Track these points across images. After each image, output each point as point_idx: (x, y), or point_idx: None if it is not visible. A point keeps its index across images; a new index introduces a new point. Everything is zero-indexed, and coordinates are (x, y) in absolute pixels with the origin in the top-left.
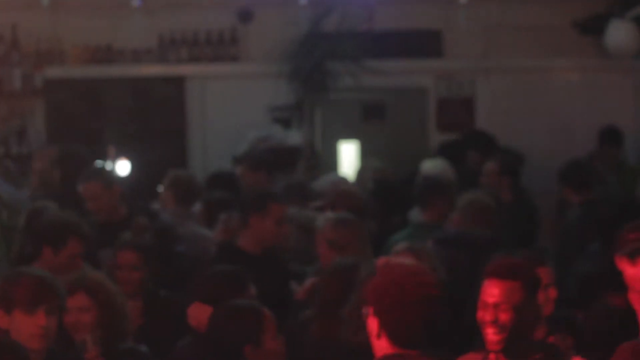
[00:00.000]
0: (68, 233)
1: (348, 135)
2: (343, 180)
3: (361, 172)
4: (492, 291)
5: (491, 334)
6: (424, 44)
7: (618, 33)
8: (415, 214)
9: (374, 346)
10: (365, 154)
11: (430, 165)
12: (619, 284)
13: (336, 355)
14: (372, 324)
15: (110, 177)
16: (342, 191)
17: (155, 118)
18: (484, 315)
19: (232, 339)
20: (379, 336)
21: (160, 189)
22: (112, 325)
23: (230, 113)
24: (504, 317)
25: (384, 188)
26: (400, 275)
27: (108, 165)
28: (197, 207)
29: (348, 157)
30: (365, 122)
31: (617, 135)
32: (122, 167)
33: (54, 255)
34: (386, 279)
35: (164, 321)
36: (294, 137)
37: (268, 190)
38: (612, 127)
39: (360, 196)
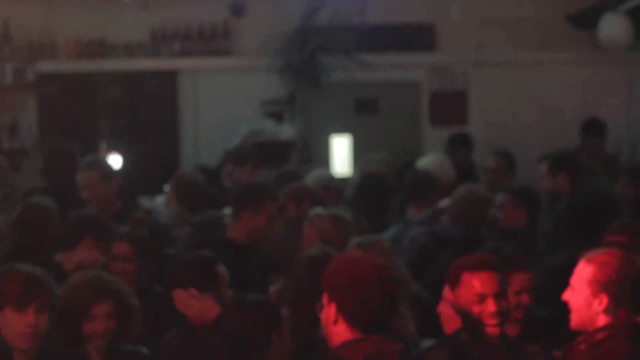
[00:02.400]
0: (107, 227)
1: (340, 129)
2: (326, 175)
3: (363, 166)
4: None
5: (492, 327)
6: (416, 37)
7: (611, 26)
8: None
9: (330, 334)
10: (358, 148)
11: (428, 160)
12: None
13: (311, 351)
14: (329, 311)
15: (109, 169)
16: (293, 187)
17: (147, 112)
18: (488, 306)
19: (261, 328)
20: (335, 322)
21: (166, 187)
22: (125, 328)
23: (223, 107)
24: (505, 305)
25: (371, 183)
26: (354, 259)
27: None
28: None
29: (340, 151)
30: (357, 116)
31: (599, 126)
32: (114, 162)
33: (94, 245)
34: (340, 264)
35: (157, 316)
36: (287, 131)
37: (263, 185)
38: (594, 118)
39: (313, 191)
